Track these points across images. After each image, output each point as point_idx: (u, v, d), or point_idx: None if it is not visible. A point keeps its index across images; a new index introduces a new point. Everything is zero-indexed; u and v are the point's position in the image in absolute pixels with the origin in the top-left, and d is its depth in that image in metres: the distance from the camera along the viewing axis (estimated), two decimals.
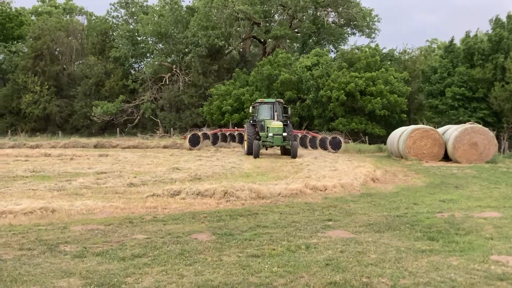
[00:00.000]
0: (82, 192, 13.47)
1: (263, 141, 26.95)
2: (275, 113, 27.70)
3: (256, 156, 25.61)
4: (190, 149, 31.83)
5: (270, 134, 26.45)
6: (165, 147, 35.80)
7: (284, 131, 26.58)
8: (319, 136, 32.93)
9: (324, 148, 31.61)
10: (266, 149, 28.93)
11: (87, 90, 53.01)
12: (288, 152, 26.74)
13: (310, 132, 35.34)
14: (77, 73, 55.94)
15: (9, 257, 7.02)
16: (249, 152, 26.69)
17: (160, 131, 47.09)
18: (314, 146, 32.69)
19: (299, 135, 34.21)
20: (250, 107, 29.55)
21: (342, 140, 32.02)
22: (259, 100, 30.67)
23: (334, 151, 30.87)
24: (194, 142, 32.62)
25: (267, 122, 27.19)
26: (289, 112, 29.63)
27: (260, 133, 27.38)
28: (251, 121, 28.65)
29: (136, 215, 10.26)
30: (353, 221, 9.64)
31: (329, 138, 31.80)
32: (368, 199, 12.55)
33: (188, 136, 33.14)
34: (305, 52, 49.75)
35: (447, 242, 7.89)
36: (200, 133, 33.63)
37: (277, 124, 26.58)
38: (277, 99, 29.73)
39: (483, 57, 37.40)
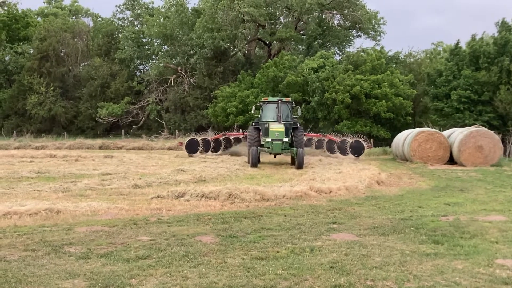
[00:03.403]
0: (87, 193, 13.52)
1: (267, 148, 23.29)
2: (279, 115, 23.59)
3: (254, 165, 22.10)
4: (189, 156, 28.08)
5: (269, 140, 22.83)
6: (170, 148, 35.88)
7: (287, 136, 22.99)
8: (338, 140, 28.90)
9: (344, 153, 27.75)
10: (275, 157, 25.46)
11: (92, 91, 53.07)
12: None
13: (327, 135, 31.15)
14: (83, 74, 56.04)
15: (14, 258, 7.04)
16: (252, 162, 22.45)
17: (165, 133, 47.11)
18: (332, 151, 28.83)
19: (315, 138, 31.27)
20: (253, 107, 25.94)
21: (365, 144, 28.11)
22: (263, 99, 26.49)
23: (355, 156, 27.21)
24: (192, 148, 28.66)
25: (270, 124, 23.34)
26: (299, 112, 26.05)
27: (263, 138, 23.68)
28: (253, 124, 24.84)
29: (141, 216, 10.28)
30: (358, 224, 9.63)
31: (350, 141, 27.94)
32: (372, 202, 12.54)
33: (185, 142, 29.25)
34: (310, 54, 49.70)
35: (452, 245, 7.87)
36: (199, 138, 29.55)
37: (277, 127, 22.85)
38: (281, 98, 24.97)
39: (489, 60, 37.25)
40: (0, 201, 11.74)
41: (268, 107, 24.36)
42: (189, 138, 29.91)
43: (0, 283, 5.98)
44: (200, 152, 28.71)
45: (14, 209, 10.37)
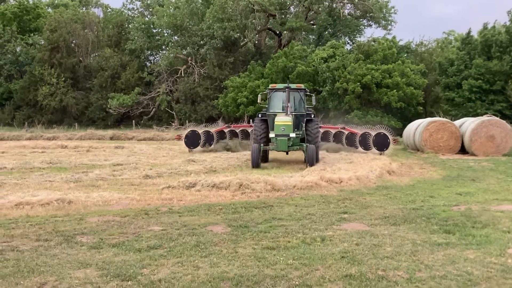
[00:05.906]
0: (98, 183, 13.59)
1: (272, 144, 19.26)
2: (287, 105, 19.40)
3: (255, 165, 18.24)
4: (189, 151, 25.08)
5: (272, 135, 18.78)
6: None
7: (297, 129, 19.40)
8: (359, 133, 25.20)
9: (366, 147, 24.22)
10: (287, 153, 21.55)
11: (103, 82, 53.21)
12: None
13: (346, 127, 27.36)
14: (93, 65, 56.15)
15: (26, 248, 7.10)
16: (252, 162, 18.58)
17: (176, 123, 47.17)
18: (352, 145, 25.43)
19: (332, 131, 27.52)
20: (259, 96, 21.97)
21: (390, 137, 24.08)
22: (270, 86, 22.35)
23: (380, 152, 23.38)
24: (192, 142, 25.45)
25: (277, 117, 19.20)
26: (314, 101, 21.58)
27: (270, 132, 19.42)
28: (260, 115, 21.08)
29: (152, 206, 10.32)
30: (369, 214, 9.61)
31: (373, 134, 24.08)
32: (383, 192, 12.49)
33: (185, 135, 25.82)
34: (321, 44, 49.49)
35: (464, 235, 7.83)
36: (200, 131, 26.18)
37: (283, 120, 18.68)
38: (289, 85, 20.57)
39: (501, 49, 36.98)
40: (12, 191, 11.84)
41: (275, 96, 20.59)
42: (188, 130, 26.32)
43: (13, 272, 6.03)
44: (202, 146, 25.73)
45: (26, 199, 10.45)
